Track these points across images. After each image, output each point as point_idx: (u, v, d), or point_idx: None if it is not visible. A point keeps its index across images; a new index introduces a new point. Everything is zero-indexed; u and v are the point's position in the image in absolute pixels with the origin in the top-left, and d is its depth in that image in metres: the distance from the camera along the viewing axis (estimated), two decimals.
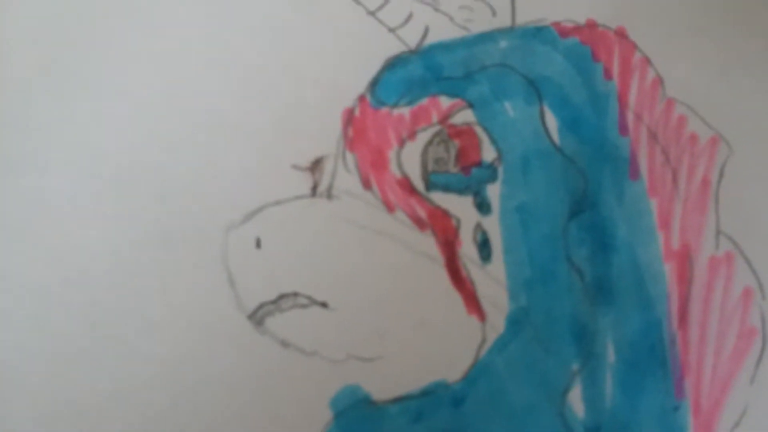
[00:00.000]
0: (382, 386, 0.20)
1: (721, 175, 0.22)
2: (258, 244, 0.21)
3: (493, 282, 0.21)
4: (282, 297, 0.20)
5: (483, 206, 0.21)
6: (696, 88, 0.22)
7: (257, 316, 0.20)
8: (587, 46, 0.23)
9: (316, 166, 0.21)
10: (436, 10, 0.23)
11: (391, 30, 0.22)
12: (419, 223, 0.21)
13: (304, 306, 0.20)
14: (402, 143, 0.22)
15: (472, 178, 0.22)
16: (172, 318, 0.20)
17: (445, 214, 0.21)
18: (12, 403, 0.19)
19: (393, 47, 0.22)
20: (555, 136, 0.22)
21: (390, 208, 0.21)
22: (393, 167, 0.22)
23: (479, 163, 0.22)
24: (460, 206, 0.21)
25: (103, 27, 0.22)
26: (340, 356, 0.20)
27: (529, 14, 0.23)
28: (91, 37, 0.22)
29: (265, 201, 0.21)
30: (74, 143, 0.21)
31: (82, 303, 0.20)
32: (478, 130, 0.22)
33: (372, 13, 0.23)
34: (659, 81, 0.22)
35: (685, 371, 0.21)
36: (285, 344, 0.20)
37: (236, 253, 0.21)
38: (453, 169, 0.22)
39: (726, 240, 0.21)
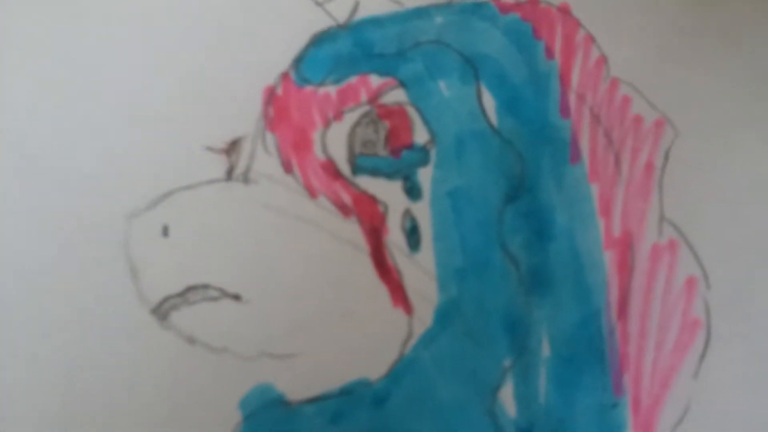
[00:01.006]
0: (298, 385, 0.18)
1: (666, 159, 0.20)
2: (165, 231, 0.19)
3: (421, 272, 0.19)
4: (190, 289, 0.19)
5: (413, 191, 0.20)
6: (642, 68, 0.21)
7: (161, 310, 0.19)
8: (528, 23, 0.21)
9: (232, 147, 0.20)
10: None
11: (319, 3, 0.21)
12: (344, 210, 0.20)
13: (214, 299, 0.19)
14: (327, 124, 0.20)
15: (402, 162, 0.20)
16: (69, 313, 0.18)
17: (372, 199, 0.20)
18: None
19: (320, 22, 0.20)
20: (492, 117, 0.20)
21: (312, 193, 0.20)
22: (317, 149, 0.20)
23: (410, 146, 0.20)
24: (388, 191, 0.20)
25: (5, 5, 0.21)
26: (252, 353, 0.18)
27: None
28: None
29: (174, 185, 0.19)
30: None
31: None
32: (411, 110, 0.20)
33: None
34: (604, 60, 0.21)
35: (624, 366, 0.19)
36: (192, 340, 0.19)
37: (140, 241, 0.19)
38: (382, 151, 0.20)
39: (670, 227, 0.20)
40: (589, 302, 0.20)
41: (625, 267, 0.20)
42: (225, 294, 0.19)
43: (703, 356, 0.19)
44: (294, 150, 0.20)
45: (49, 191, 0.19)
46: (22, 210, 0.19)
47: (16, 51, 0.20)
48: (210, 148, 0.20)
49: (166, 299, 0.19)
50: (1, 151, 0.19)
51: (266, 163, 0.20)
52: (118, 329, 0.18)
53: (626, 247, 0.20)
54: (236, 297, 0.19)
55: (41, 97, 0.20)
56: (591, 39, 0.21)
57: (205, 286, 0.19)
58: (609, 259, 0.20)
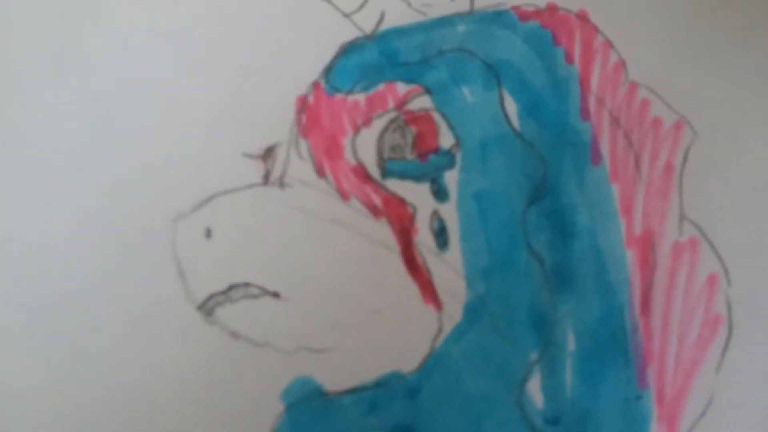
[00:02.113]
0: (335, 377, 0.19)
1: (685, 159, 0.20)
2: (208, 233, 0.20)
3: (450, 270, 0.20)
4: (233, 287, 0.19)
5: (440, 193, 0.20)
6: (660, 72, 0.21)
7: (207, 307, 0.19)
8: (548, 30, 0.21)
9: (268, 153, 0.20)
10: None
11: (346, 15, 0.21)
12: (374, 211, 0.20)
13: (255, 296, 0.19)
14: (357, 130, 0.20)
15: (429, 165, 0.20)
16: (119, 311, 0.19)
17: (401, 201, 0.20)
18: None
19: (348, 33, 0.21)
20: (515, 121, 0.21)
21: (344, 196, 0.20)
22: (348, 154, 0.20)
23: (436, 150, 0.20)
24: (416, 194, 0.20)
25: (51, 22, 0.21)
26: (291, 347, 0.19)
27: None
28: (39, 31, 0.21)
29: (215, 190, 0.20)
30: (22, 137, 0.20)
31: (26, 297, 0.19)
32: (436, 116, 0.21)
33: None
34: (622, 64, 0.21)
35: (647, 359, 0.19)
36: (235, 335, 0.19)
37: (186, 243, 0.19)
38: (409, 155, 0.20)
39: (690, 225, 0.20)
40: (613, 298, 0.20)
41: (647, 264, 0.20)
42: (265, 291, 0.19)
43: (724, 350, 0.19)
44: (326, 155, 0.21)
45: (99, 197, 0.20)
46: (74, 215, 0.20)
47: (65, 64, 0.20)
48: (248, 155, 0.21)
49: (210, 297, 0.19)
50: (53, 159, 0.20)
51: (300, 168, 0.20)
52: (168, 325, 0.19)
53: (647, 245, 0.20)
54: (275, 294, 0.19)
55: (90, 108, 0.20)
56: (609, 44, 0.21)
57: (247, 285, 0.19)
58: (631, 257, 0.20)
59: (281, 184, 0.20)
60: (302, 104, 0.21)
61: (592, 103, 0.21)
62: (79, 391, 0.19)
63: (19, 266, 0.20)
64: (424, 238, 0.20)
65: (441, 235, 0.20)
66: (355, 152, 0.21)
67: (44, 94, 0.21)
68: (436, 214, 0.20)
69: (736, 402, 0.20)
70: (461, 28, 0.22)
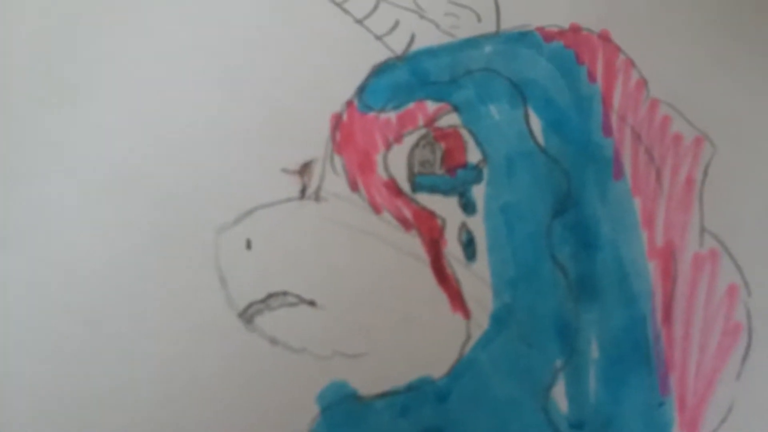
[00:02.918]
0: (368, 382, 0.20)
1: (705, 174, 0.21)
2: (248, 245, 0.20)
3: (477, 280, 0.20)
4: (271, 296, 0.20)
5: (468, 206, 0.21)
6: (680, 89, 0.21)
7: (247, 315, 0.20)
8: (571, 50, 0.22)
9: (304, 169, 0.21)
10: (422, 17, 0.22)
11: (378, 37, 0.22)
12: (405, 224, 0.21)
13: (292, 304, 0.20)
14: (389, 146, 0.21)
15: (457, 180, 0.21)
16: (165, 317, 0.20)
17: (431, 214, 0.21)
18: (12, 403, 0.19)
19: (380, 54, 0.22)
20: (539, 137, 0.21)
21: (377, 209, 0.21)
22: (380, 170, 0.21)
23: (464, 165, 0.21)
24: (445, 207, 0.21)
25: (98, 35, 0.22)
26: (327, 353, 0.20)
27: (513, 20, 0.22)
28: (88, 45, 0.22)
29: (255, 203, 0.21)
30: (72, 151, 0.21)
31: (80, 304, 0.20)
32: (464, 132, 0.21)
33: (359, 21, 0.22)
34: (643, 83, 0.22)
35: (669, 367, 0.20)
36: (274, 342, 0.20)
37: (227, 254, 0.20)
38: (439, 170, 0.21)
39: (710, 237, 0.21)
40: (635, 308, 0.20)
41: (669, 275, 0.20)
42: (302, 300, 0.20)
43: (745, 359, 0.20)
44: (359, 170, 0.21)
45: (147, 210, 0.21)
46: (123, 226, 0.21)
47: (113, 79, 0.21)
48: (285, 170, 0.21)
49: (250, 305, 0.20)
50: (100, 173, 0.21)
51: (335, 182, 0.21)
52: (210, 332, 0.20)
53: (669, 256, 0.21)
54: (311, 303, 0.20)
55: (137, 124, 0.21)
56: (631, 63, 0.22)
57: (284, 293, 0.20)
58: (653, 268, 0.20)
59: (317, 198, 0.21)
60: (337, 122, 0.22)
61: (614, 119, 0.22)
62: (128, 394, 0.20)
63: (70, 275, 0.21)
64: (452, 249, 0.21)
65: (469, 246, 0.21)
66: (386, 167, 0.22)
67: (93, 108, 0.22)
68: (464, 227, 0.21)
69: (756, 409, 0.20)
70: (488, 48, 0.22)
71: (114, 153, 0.22)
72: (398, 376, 0.20)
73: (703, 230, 0.21)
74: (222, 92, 0.22)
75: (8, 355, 0.20)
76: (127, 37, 0.22)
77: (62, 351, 0.20)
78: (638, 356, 0.20)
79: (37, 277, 0.21)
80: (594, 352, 0.20)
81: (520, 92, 0.22)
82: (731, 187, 0.21)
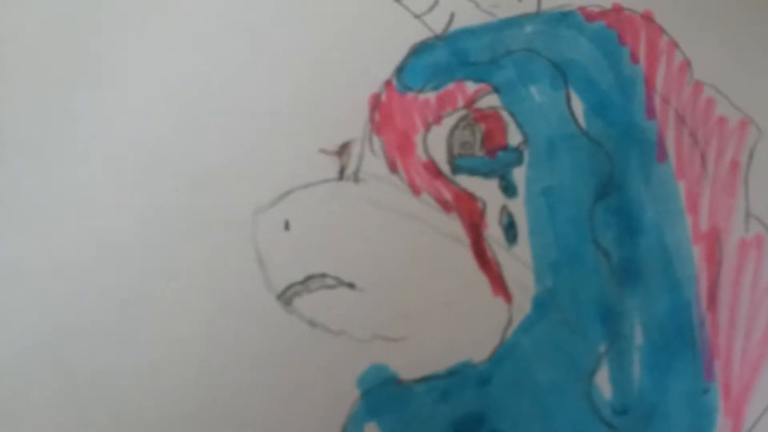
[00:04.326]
0: (409, 366, 0.19)
1: (750, 157, 0.20)
2: (287, 226, 0.20)
3: (519, 264, 0.20)
4: (310, 278, 0.20)
5: (509, 189, 0.20)
6: (724, 71, 0.21)
7: (286, 297, 0.20)
8: (613, 30, 0.21)
9: (343, 150, 0.21)
10: None
11: (417, 16, 0.21)
12: (445, 206, 0.20)
13: (331, 287, 0.20)
14: (428, 127, 0.21)
15: (497, 162, 0.21)
16: (202, 300, 0.20)
17: (471, 196, 0.20)
18: (45, 379, 0.19)
19: (419, 33, 0.21)
20: (581, 119, 0.21)
21: (416, 191, 0.20)
22: (419, 151, 0.21)
23: (505, 147, 0.21)
24: (485, 189, 0.20)
25: (131, 16, 0.21)
26: (367, 336, 0.19)
27: None
28: (121, 26, 0.21)
29: (293, 184, 0.20)
30: (107, 133, 0.21)
31: (114, 287, 0.20)
32: (504, 114, 0.21)
33: (398, 0, 0.22)
34: (687, 64, 0.21)
35: (714, 354, 0.19)
36: (313, 324, 0.20)
37: (265, 235, 0.20)
38: (479, 152, 0.21)
39: (756, 222, 0.20)
40: (680, 293, 0.20)
41: (713, 261, 0.20)
42: (341, 282, 0.20)
43: None
44: (398, 152, 0.21)
45: (185, 191, 0.20)
46: (160, 207, 0.20)
47: (144, 60, 0.21)
48: (323, 151, 0.21)
49: (289, 287, 0.20)
50: (137, 155, 0.21)
51: (374, 163, 0.21)
52: (248, 314, 0.19)
53: (714, 241, 0.20)
54: (351, 285, 0.20)
55: (174, 104, 0.21)
56: (674, 44, 0.21)
57: (323, 275, 0.20)
58: (697, 253, 0.20)
59: (356, 179, 0.21)
60: (375, 102, 0.21)
61: (657, 102, 0.22)
62: (165, 375, 0.20)
63: (106, 257, 0.20)
64: (493, 232, 0.21)
65: (510, 229, 0.21)
66: (426, 149, 0.21)
67: (125, 87, 0.21)
68: (505, 210, 0.21)
69: None
70: (528, 28, 0.22)
71: (148, 133, 0.21)
72: (439, 360, 0.19)
73: (748, 215, 0.21)
74: (259, 71, 0.21)
75: (42, 332, 0.20)
76: (158, 14, 0.22)
77: (96, 334, 0.20)
78: (682, 342, 0.20)
79: (70, 259, 0.20)
80: (638, 337, 0.20)
81: (561, 73, 0.21)
82: None
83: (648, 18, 0.22)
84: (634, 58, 0.22)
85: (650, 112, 0.21)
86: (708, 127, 0.21)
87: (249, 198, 0.21)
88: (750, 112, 0.21)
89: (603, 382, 0.19)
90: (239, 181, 0.21)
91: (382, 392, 0.19)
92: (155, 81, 0.21)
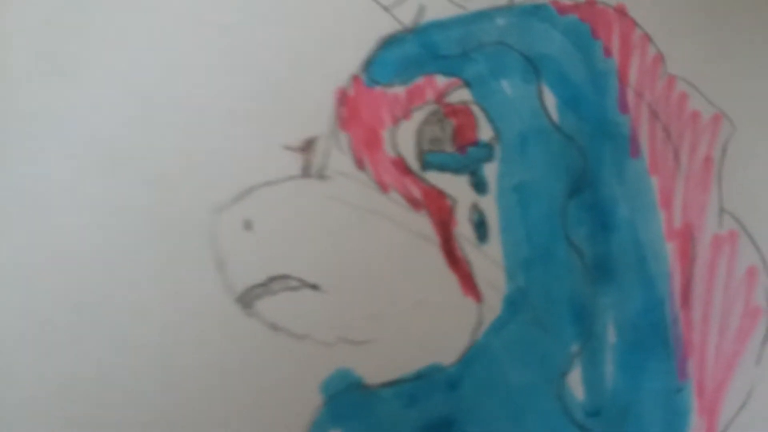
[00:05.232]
0: (375, 370, 0.19)
1: (723, 152, 0.20)
2: (247, 225, 0.19)
3: (490, 262, 0.19)
4: (272, 279, 0.19)
5: (479, 186, 0.20)
6: (698, 65, 0.21)
7: (246, 299, 0.19)
8: (586, 24, 0.21)
9: (308, 146, 0.20)
10: None
11: (386, 8, 0.21)
12: (414, 203, 0.20)
13: (294, 288, 0.19)
14: (396, 122, 0.20)
15: (468, 158, 0.20)
16: (160, 302, 0.19)
17: (441, 193, 0.20)
18: None
19: (388, 26, 0.21)
20: (554, 114, 0.20)
21: (384, 188, 0.20)
22: (387, 147, 0.20)
23: (476, 142, 0.20)
24: (455, 186, 0.20)
25: (90, 9, 0.21)
26: (331, 339, 0.19)
27: None
28: (79, 20, 0.21)
29: (255, 182, 0.19)
30: (64, 128, 0.20)
31: (69, 289, 0.19)
32: (475, 108, 0.20)
33: None
34: (660, 58, 0.21)
35: (688, 352, 0.19)
36: (275, 327, 0.19)
37: (225, 235, 0.19)
38: (449, 148, 0.20)
39: (729, 218, 0.20)
40: (653, 291, 0.19)
41: (687, 257, 0.19)
42: (304, 284, 0.19)
43: (764, 342, 0.19)
44: (365, 148, 0.20)
45: (140, 188, 0.19)
46: (114, 206, 0.19)
47: (102, 55, 0.20)
48: (287, 147, 0.20)
49: (250, 289, 0.19)
50: (94, 151, 0.20)
51: (340, 160, 0.20)
52: (207, 317, 0.18)
53: (687, 238, 0.20)
54: (315, 287, 0.19)
55: (131, 98, 0.20)
56: (647, 38, 0.21)
57: (286, 277, 0.19)
58: (671, 249, 0.19)
59: (321, 176, 0.20)
60: (342, 97, 0.21)
61: (630, 96, 0.21)
62: (118, 382, 0.19)
63: (60, 257, 0.19)
64: (463, 230, 0.20)
65: (480, 227, 0.20)
66: (394, 145, 0.21)
67: (89, 87, 0.20)
68: (475, 207, 0.20)
69: None
70: (500, 21, 0.21)
71: (106, 129, 0.20)
72: (406, 364, 0.19)
73: (722, 210, 0.20)
74: (221, 65, 0.21)
75: None
76: (119, 9, 0.21)
77: (49, 339, 0.19)
78: (656, 340, 0.19)
79: (23, 259, 0.19)
80: (611, 336, 0.19)
81: (533, 67, 0.21)
82: (751, 166, 0.21)
83: (621, 11, 0.22)
84: (607, 52, 0.21)
85: (623, 107, 0.21)
86: (681, 121, 0.21)
87: (208, 196, 0.20)
88: (723, 106, 0.21)
89: (575, 382, 0.19)
90: (198, 179, 0.20)
91: (346, 398, 0.18)
92: (113, 76, 0.21)
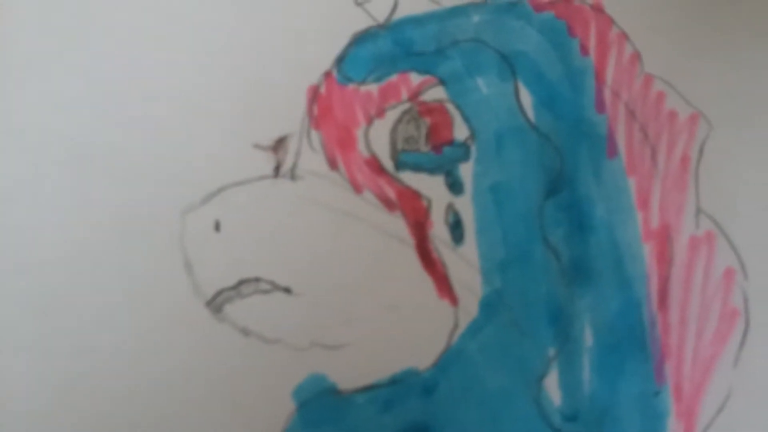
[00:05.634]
0: (349, 375, 0.18)
1: (700, 152, 0.20)
2: (217, 227, 0.19)
3: (465, 264, 0.19)
4: (242, 282, 0.18)
5: (455, 186, 0.20)
6: (675, 64, 0.20)
7: (216, 303, 0.18)
8: (563, 21, 0.21)
9: (279, 145, 0.19)
10: None
11: (359, 4, 0.20)
12: (388, 204, 0.19)
13: (266, 291, 0.18)
14: (370, 121, 0.20)
15: (443, 157, 0.20)
16: (126, 307, 0.18)
17: (416, 194, 0.19)
18: None
19: (361, 22, 0.20)
20: (530, 113, 0.20)
21: (357, 188, 0.19)
22: (361, 146, 0.20)
23: (451, 142, 0.20)
24: (431, 186, 0.19)
25: (59, 7, 0.20)
26: (304, 344, 0.18)
27: None
28: (47, 18, 0.20)
29: (225, 182, 0.19)
30: (25, 124, 0.19)
31: (30, 293, 0.18)
32: (450, 107, 0.20)
33: None
34: (637, 56, 0.20)
35: (665, 354, 0.19)
36: (246, 332, 0.18)
37: (194, 236, 0.19)
38: (424, 147, 0.20)
39: (706, 219, 0.20)
40: (630, 292, 0.19)
41: (664, 258, 0.19)
42: (276, 287, 0.18)
43: (742, 345, 0.19)
44: (338, 147, 0.20)
45: (106, 188, 0.19)
46: (79, 206, 0.19)
47: (70, 50, 0.19)
48: (258, 146, 0.20)
49: (220, 292, 0.18)
50: (56, 148, 0.19)
51: (312, 159, 0.19)
52: (175, 322, 0.18)
53: (664, 239, 0.19)
54: (287, 290, 0.18)
55: (97, 97, 0.19)
56: (624, 36, 0.21)
57: (257, 279, 0.18)
58: (648, 250, 0.19)
59: (293, 176, 0.20)
60: (314, 94, 0.20)
61: (607, 95, 0.21)
62: (83, 389, 0.18)
63: (21, 259, 0.19)
64: (439, 231, 0.20)
65: (456, 228, 0.20)
66: (368, 144, 0.20)
67: (50, 81, 0.20)
68: (451, 208, 0.20)
69: (754, 396, 0.19)
70: (476, 18, 0.21)
71: (71, 127, 0.20)
72: (381, 369, 0.18)
73: (698, 211, 0.20)
74: (191, 63, 0.20)
75: None
76: (87, 7, 0.20)
77: (9, 345, 0.18)
78: (633, 343, 0.19)
79: None
80: (588, 339, 0.19)
81: (509, 65, 0.21)
82: (727, 166, 0.20)
83: (598, 9, 0.21)
84: (584, 50, 0.21)
85: (600, 106, 0.21)
86: (658, 121, 0.21)
87: (177, 196, 0.19)
88: (700, 106, 0.21)
89: (552, 386, 0.19)
90: (166, 178, 0.19)
91: (319, 404, 0.18)
92: (80, 69, 0.20)
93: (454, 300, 0.19)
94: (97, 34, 0.20)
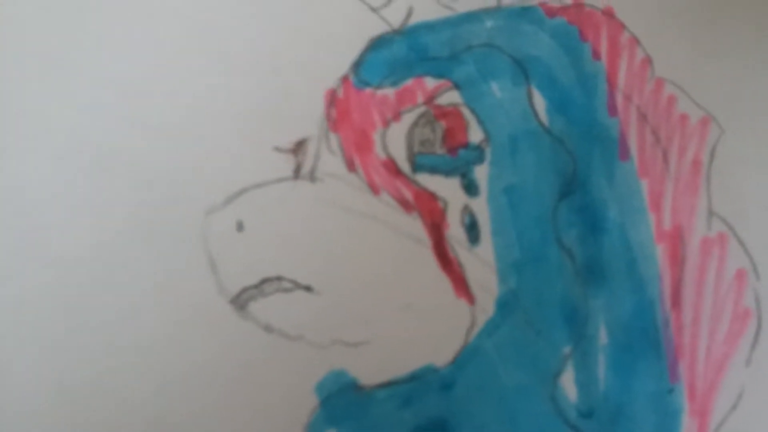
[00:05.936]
0: (369, 371, 0.19)
1: (712, 155, 0.20)
2: (240, 227, 0.19)
3: (481, 264, 0.19)
4: (265, 281, 0.19)
5: (470, 188, 0.20)
6: (686, 68, 0.21)
7: (240, 301, 0.19)
8: (574, 26, 0.21)
9: (298, 147, 0.20)
10: None
11: (375, 10, 0.21)
12: (405, 206, 0.20)
13: (287, 290, 0.19)
14: (387, 124, 0.20)
15: (459, 160, 0.20)
16: (152, 305, 0.19)
17: (432, 196, 0.20)
18: None
19: (376, 27, 0.21)
20: (543, 116, 0.20)
21: (375, 190, 0.20)
22: (378, 149, 0.20)
23: (466, 145, 0.20)
24: (447, 188, 0.20)
25: (81, 11, 0.21)
26: (325, 341, 0.19)
27: None
28: (69, 21, 0.20)
29: (246, 184, 0.19)
30: (53, 130, 0.20)
31: (61, 292, 0.19)
32: (465, 111, 0.20)
33: None
34: (648, 61, 0.21)
35: (679, 354, 0.19)
36: (269, 329, 0.19)
37: (217, 236, 0.19)
38: (439, 150, 0.20)
39: (718, 221, 0.20)
40: (644, 293, 0.19)
41: (677, 260, 0.20)
42: (297, 285, 0.19)
43: (754, 345, 0.19)
44: (356, 149, 0.20)
45: (131, 191, 0.19)
46: (106, 208, 0.19)
47: (94, 54, 0.20)
48: (278, 149, 0.20)
49: (243, 291, 0.19)
50: (84, 152, 0.20)
51: (330, 162, 0.20)
52: (200, 319, 0.18)
53: (677, 240, 0.20)
54: (308, 288, 0.19)
55: (122, 101, 0.20)
56: (635, 40, 0.21)
57: (279, 278, 0.19)
58: (661, 252, 0.20)
59: (312, 178, 0.20)
60: (332, 98, 0.21)
61: (619, 99, 0.21)
62: (111, 385, 0.18)
63: (50, 260, 0.19)
64: (455, 232, 0.20)
65: (472, 229, 0.20)
66: (385, 147, 0.21)
67: (75, 87, 0.20)
68: (467, 209, 0.20)
69: (767, 395, 0.19)
70: (489, 23, 0.21)
71: (97, 131, 0.20)
72: (400, 365, 0.19)
73: (711, 213, 0.21)
74: (212, 67, 0.21)
75: None
76: (110, 11, 0.21)
77: (41, 342, 0.19)
78: (647, 342, 0.19)
79: (13, 262, 0.19)
80: (602, 338, 0.19)
81: (522, 69, 0.21)
82: (739, 169, 0.21)
83: (609, 14, 0.22)
84: (596, 55, 0.21)
85: (612, 110, 0.21)
86: (670, 124, 0.21)
87: (200, 197, 0.20)
88: (711, 109, 0.21)
89: (568, 384, 0.19)
90: (190, 180, 0.20)
91: (341, 399, 0.18)
92: (106, 76, 0.20)
93: (470, 299, 0.19)
94: (121, 42, 0.21)
